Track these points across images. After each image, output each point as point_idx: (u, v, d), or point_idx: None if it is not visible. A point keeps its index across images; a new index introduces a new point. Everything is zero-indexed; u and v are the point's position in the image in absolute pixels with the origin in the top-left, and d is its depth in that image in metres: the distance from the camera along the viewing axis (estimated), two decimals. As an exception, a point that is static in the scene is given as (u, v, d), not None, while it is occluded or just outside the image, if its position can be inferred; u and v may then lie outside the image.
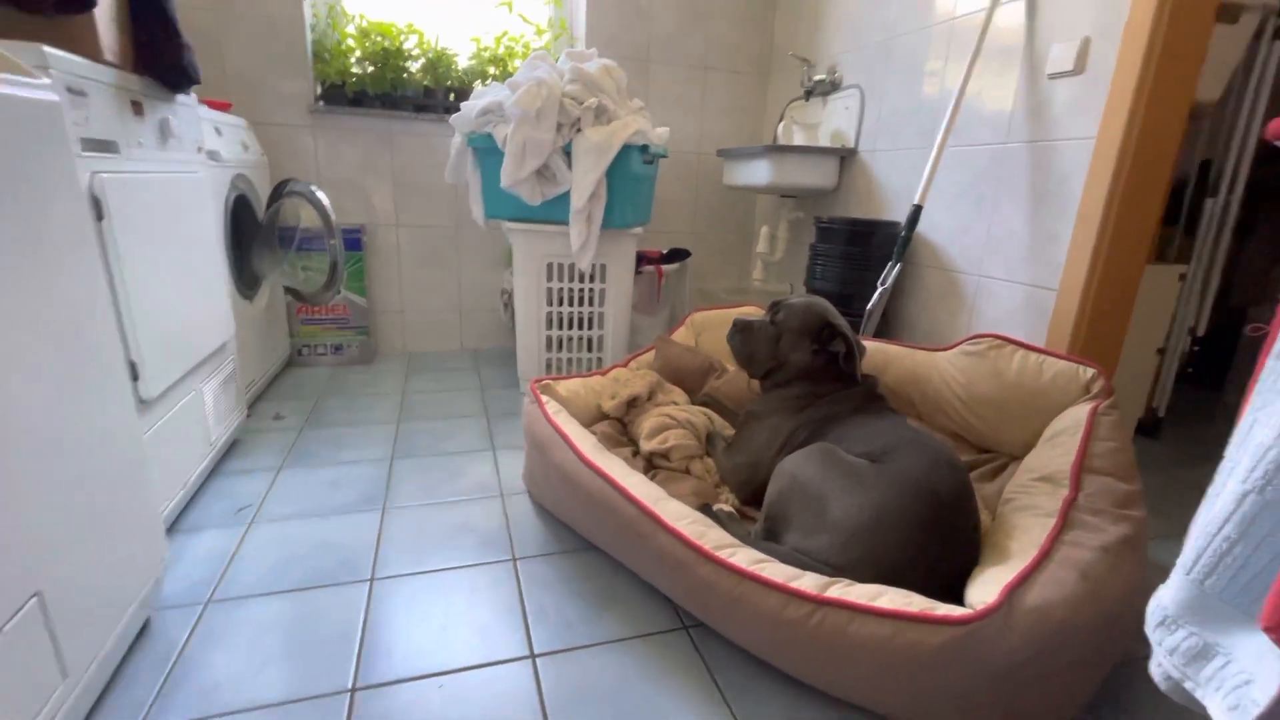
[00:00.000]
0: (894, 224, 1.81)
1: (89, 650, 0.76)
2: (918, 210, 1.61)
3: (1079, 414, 1.12)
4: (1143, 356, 1.72)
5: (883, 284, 1.64)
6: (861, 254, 1.78)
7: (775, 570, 0.87)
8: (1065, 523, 0.92)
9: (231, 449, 1.54)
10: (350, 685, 0.85)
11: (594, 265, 1.89)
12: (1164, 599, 0.59)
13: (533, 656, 0.92)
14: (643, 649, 0.94)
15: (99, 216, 0.95)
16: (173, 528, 1.19)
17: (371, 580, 1.07)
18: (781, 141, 2.30)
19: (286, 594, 1.03)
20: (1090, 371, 1.16)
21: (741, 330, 1.32)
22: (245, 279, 1.76)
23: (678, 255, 2.35)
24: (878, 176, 1.97)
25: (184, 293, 1.23)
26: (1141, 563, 0.92)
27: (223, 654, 0.90)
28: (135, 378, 1.01)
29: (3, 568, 0.62)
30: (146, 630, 0.93)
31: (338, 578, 1.07)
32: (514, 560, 1.14)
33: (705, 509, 1.13)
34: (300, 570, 1.09)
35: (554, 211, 1.78)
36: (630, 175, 1.77)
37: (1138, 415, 1.78)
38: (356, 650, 0.92)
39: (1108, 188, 1.26)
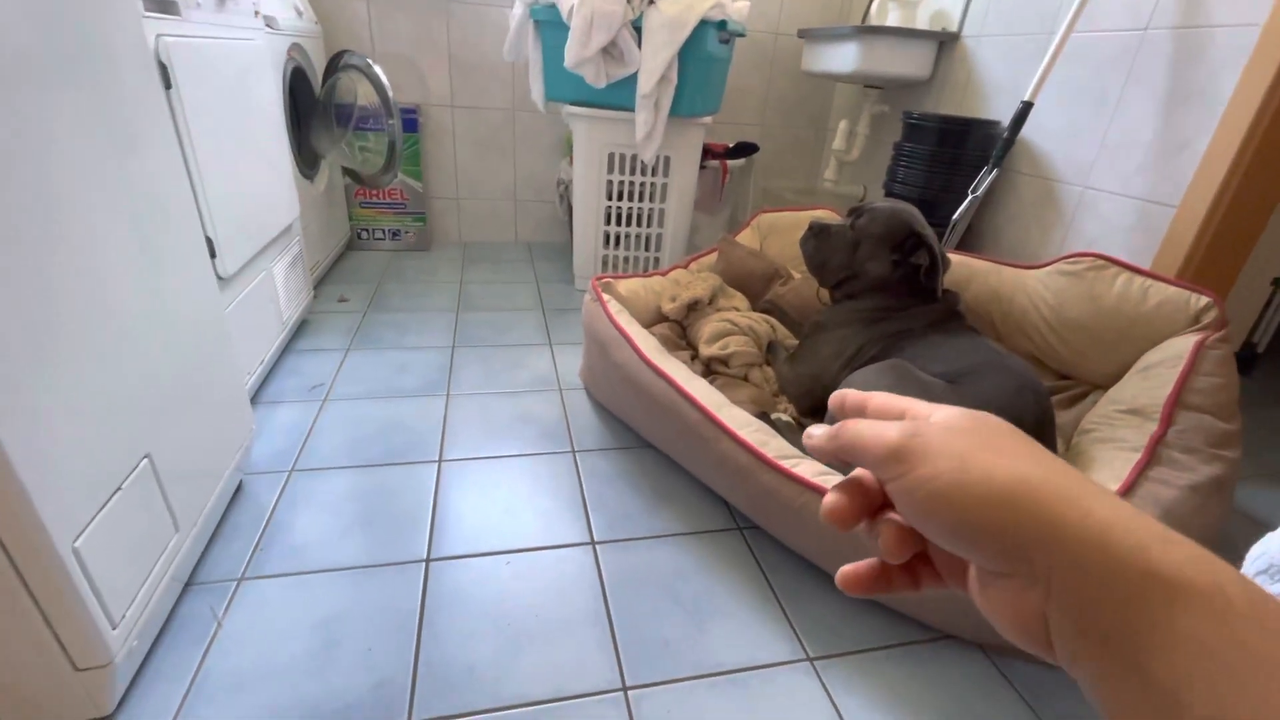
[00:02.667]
0: (993, 123, 1.63)
1: (194, 506, 0.83)
2: (1027, 107, 1.44)
3: (1181, 345, 1.03)
4: (1255, 285, 1.56)
5: (974, 191, 1.50)
6: (953, 156, 1.62)
7: (839, 483, 0.86)
8: (1151, 458, 0.87)
9: (301, 328, 1.59)
10: (425, 555, 0.92)
11: (658, 157, 1.79)
12: (1272, 547, 0.56)
13: (593, 543, 0.96)
14: (697, 545, 0.97)
15: (167, 85, 0.92)
16: (254, 400, 1.26)
17: (440, 461, 1.12)
18: (874, 21, 2.05)
19: (361, 468, 1.09)
20: (1203, 300, 1.06)
21: (818, 234, 1.25)
22: (305, 158, 1.74)
23: (744, 150, 2.20)
24: (980, 67, 1.76)
25: (251, 170, 1.22)
26: (1228, 506, 0.88)
27: (308, 518, 0.97)
28: (213, 254, 1.02)
29: (118, 431, 0.66)
30: (240, 492, 1.01)
31: (408, 456, 1.13)
32: (573, 452, 1.18)
33: (764, 417, 1.12)
34: (373, 447, 1.15)
35: (619, 96, 1.66)
36: (703, 56, 1.62)
37: (1235, 349, 1.65)
38: (429, 525, 0.98)
39: (1267, 86, 1.09)
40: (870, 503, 0.27)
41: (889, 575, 0.28)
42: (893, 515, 0.26)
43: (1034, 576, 0.20)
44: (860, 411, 0.29)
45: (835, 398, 0.30)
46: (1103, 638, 0.19)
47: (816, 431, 0.28)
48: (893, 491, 0.24)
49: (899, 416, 0.27)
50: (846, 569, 0.28)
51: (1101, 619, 0.19)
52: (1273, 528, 0.60)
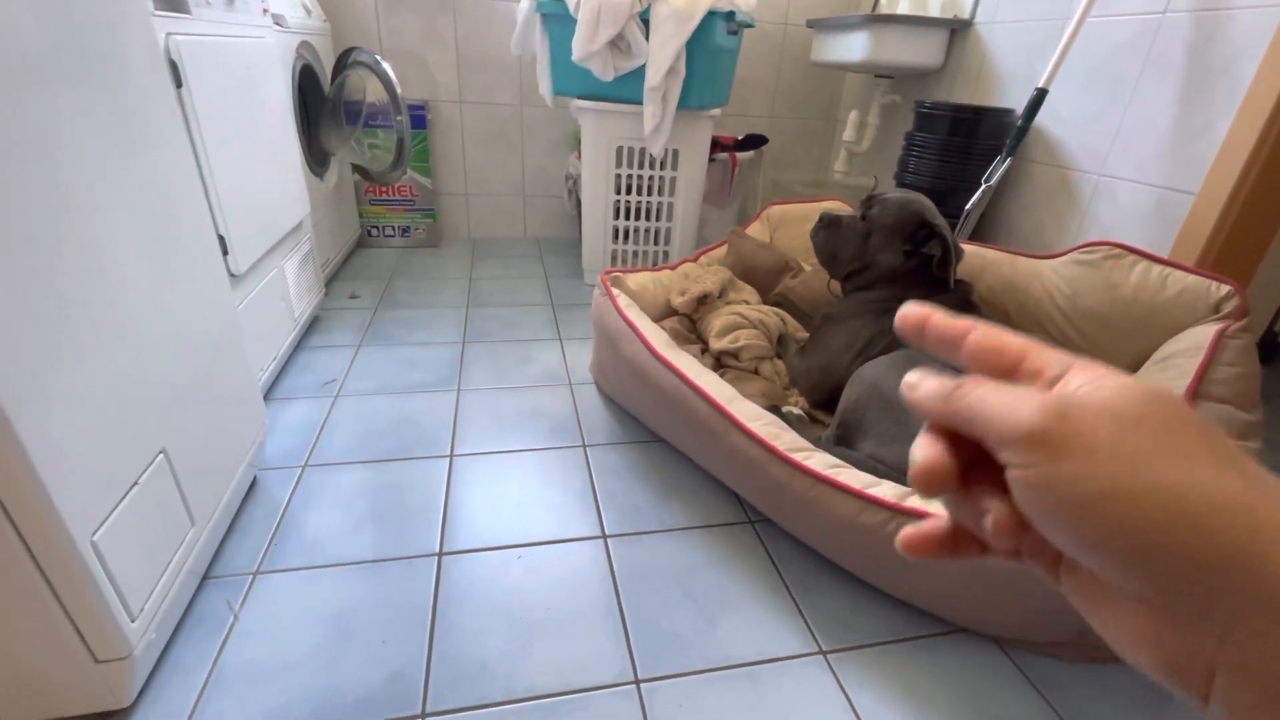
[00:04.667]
0: (1006, 111, 1.61)
1: (210, 501, 0.84)
2: (1042, 95, 1.42)
3: (1201, 335, 1.01)
4: (1277, 273, 1.53)
5: (987, 181, 1.48)
6: (965, 145, 1.60)
7: (851, 476, 0.86)
8: (1170, 450, 0.86)
9: (312, 325, 1.60)
10: (438, 550, 0.92)
11: (666, 151, 1.78)
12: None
13: (604, 537, 0.96)
14: (709, 538, 0.97)
15: (178, 84, 0.93)
16: (267, 396, 1.27)
17: (451, 456, 1.13)
18: (884, 9, 2.02)
19: (374, 464, 1.10)
20: (1224, 288, 1.04)
21: (829, 225, 1.24)
22: (315, 155, 1.74)
23: (753, 142, 2.18)
24: (994, 54, 1.73)
25: (262, 167, 1.22)
26: (1250, 496, 0.87)
27: (321, 513, 0.98)
28: (225, 252, 1.03)
29: (133, 427, 0.67)
30: (255, 488, 1.02)
31: (420, 451, 1.14)
32: (584, 447, 1.18)
33: (774, 410, 1.11)
34: (385, 442, 1.15)
35: (627, 89, 1.65)
36: (711, 48, 1.61)
37: (1256, 339, 1.62)
38: (441, 519, 0.98)
39: (1291, 69, 1.06)
40: (962, 459, 0.21)
41: (958, 541, 0.23)
42: (1004, 496, 0.20)
43: (1204, 617, 0.16)
44: (952, 348, 0.23)
45: (914, 317, 0.23)
46: None
47: (923, 384, 0.22)
48: (1019, 481, 0.19)
49: (1013, 367, 0.21)
50: (910, 531, 0.24)
51: None
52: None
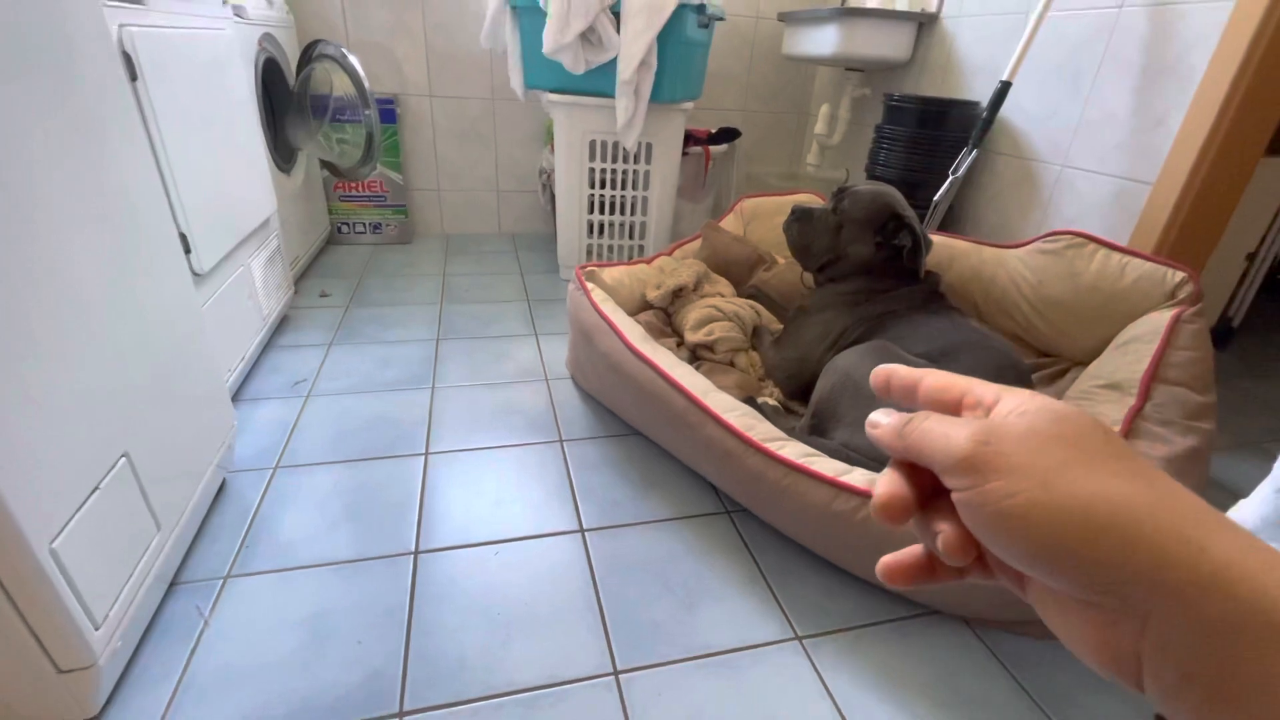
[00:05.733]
0: (972, 104, 1.63)
1: (176, 505, 0.82)
2: (1006, 87, 1.44)
3: (1158, 320, 1.05)
4: (1230, 261, 1.59)
5: (955, 172, 1.51)
6: (932, 138, 1.63)
7: (824, 464, 0.87)
8: (1130, 431, 0.89)
9: (282, 324, 1.57)
10: (414, 548, 0.91)
11: (639, 144, 1.78)
12: (1245, 514, 0.57)
13: (582, 531, 0.96)
14: (686, 529, 0.98)
15: (132, 77, 0.90)
16: (236, 398, 1.25)
17: (426, 454, 1.12)
18: (853, 3, 2.04)
19: (347, 463, 1.08)
20: (1179, 275, 1.08)
21: (800, 218, 1.25)
22: (281, 151, 1.71)
23: (727, 135, 2.19)
24: (959, 48, 1.76)
25: (225, 163, 1.19)
26: (1204, 477, 0.90)
27: (294, 514, 0.96)
28: (188, 250, 1.00)
29: (93, 431, 0.65)
30: (224, 490, 1.00)
31: (394, 450, 1.12)
32: (561, 442, 1.17)
33: (750, 402, 1.12)
34: (358, 442, 1.14)
35: (599, 82, 1.64)
36: (683, 40, 1.61)
37: (1210, 324, 1.68)
38: (416, 517, 0.97)
39: (1239, 63, 1.10)
40: (923, 488, 0.24)
41: (935, 566, 0.25)
42: (954, 518, 0.23)
43: (1126, 611, 0.18)
44: (910, 395, 0.26)
45: (880, 376, 0.27)
46: (1211, 686, 0.17)
47: (883, 420, 0.25)
48: (959, 502, 0.21)
49: (957, 402, 0.24)
50: (888, 560, 0.26)
51: (1212, 667, 0.17)
52: (1245, 496, 0.61)
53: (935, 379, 0.25)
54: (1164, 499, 0.19)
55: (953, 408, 0.24)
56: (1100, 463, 0.20)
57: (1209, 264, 1.35)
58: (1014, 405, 0.22)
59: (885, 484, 0.24)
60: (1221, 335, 1.72)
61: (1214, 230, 1.27)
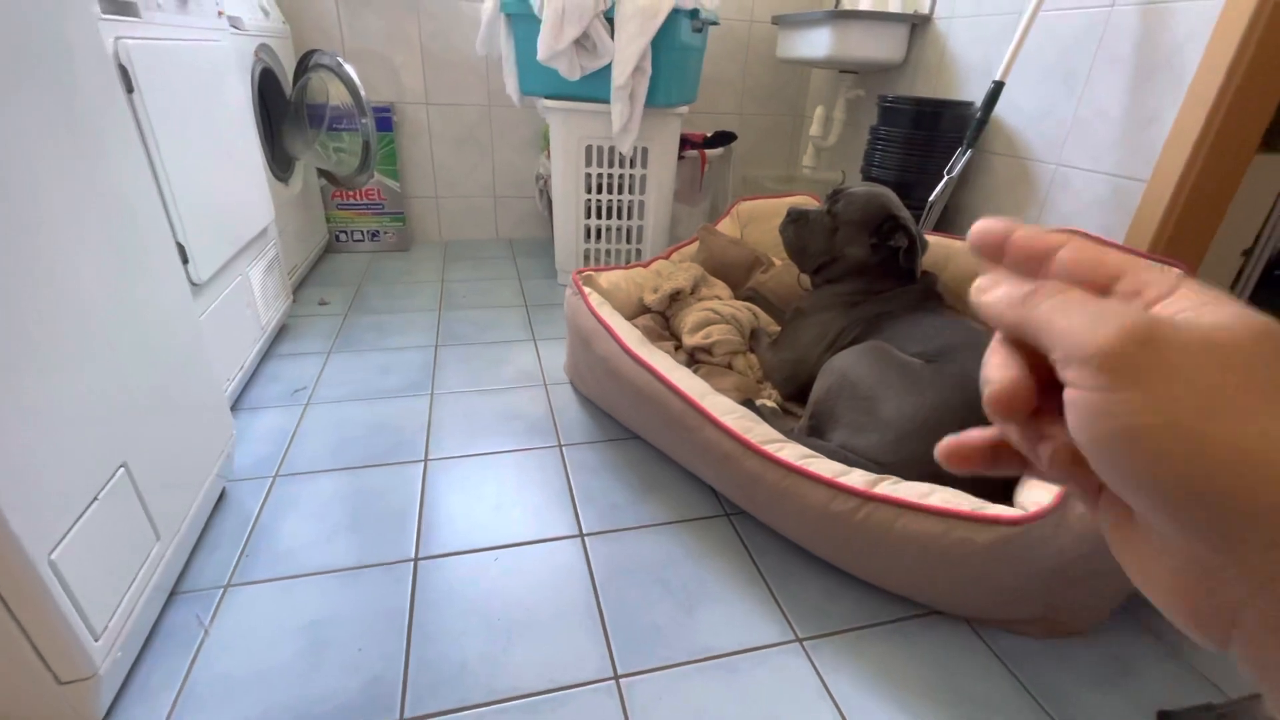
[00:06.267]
0: (967, 104, 1.64)
1: (176, 514, 0.82)
2: (999, 87, 1.45)
3: (1154, 317, 1.05)
4: (1226, 257, 1.59)
5: (949, 173, 1.51)
6: (927, 138, 1.63)
7: (822, 465, 0.87)
8: (1127, 429, 0.89)
9: (281, 333, 1.58)
10: (414, 555, 0.91)
11: (635, 149, 1.78)
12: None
13: (581, 535, 0.96)
14: (686, 533, 0.98)
15: (129, 89, 0.91)
16: (235, 406, 1.25)
17: (425, 460, 1.12)
18: (846, 5, 2.05)
19: (347, 471, 1.08)
20: (1175, 272, 1.08)
21: (796, 220, 1.25)
22: (279, 160, 1.71)
23: (722, 139, 2.20)
24: (953, 49, 1.77)
25: (222, 173, 1.20)
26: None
27: (294, 523, 0.97)
28: (185, 260, 1.01)
29: (91, 441, 0.65)
30: (224, 499, 1.00)
31: (394, 457, 1.12)
32: (560, 446, 1.18)
33: (748, 404, 1.12)
34: (358, 449, 1.14)
35: (594, 88, 1.65)
36: (677, 45, 1.62)
37: (1208, 320, 1.68)
38: (416, 524, 0.97)
39: (1232, 56, 1.10)
40: (1039, 377, 0.19)
41: (1000, 456, 0.21)
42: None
43: (1247, 574, 0.15)
44: (1035, 264, 0.20)
45: (992, 231, 0.20)
46: None
47: (997, 287, 0.19)
48: (1076, 403, 0.17)
49: (1107, 283, 0.18)
50: (950, 440, 0.22)
51: None
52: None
53: (1081, 246, 0.19)
54: None
55: (1101, 292, 0.18)
56: None
57: (1205, 260, 1.35)
58: (1193, 303, 0.17)
59: (1001, 367, 0.19)
60: (1219, 331, 1.71)
61: (1209, 226, 1.27)
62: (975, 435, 0.22)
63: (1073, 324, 0.17)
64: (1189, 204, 1.22)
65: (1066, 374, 0.17)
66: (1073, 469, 0.18)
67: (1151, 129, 1.27)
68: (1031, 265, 0.20)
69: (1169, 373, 0.15)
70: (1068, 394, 0.17)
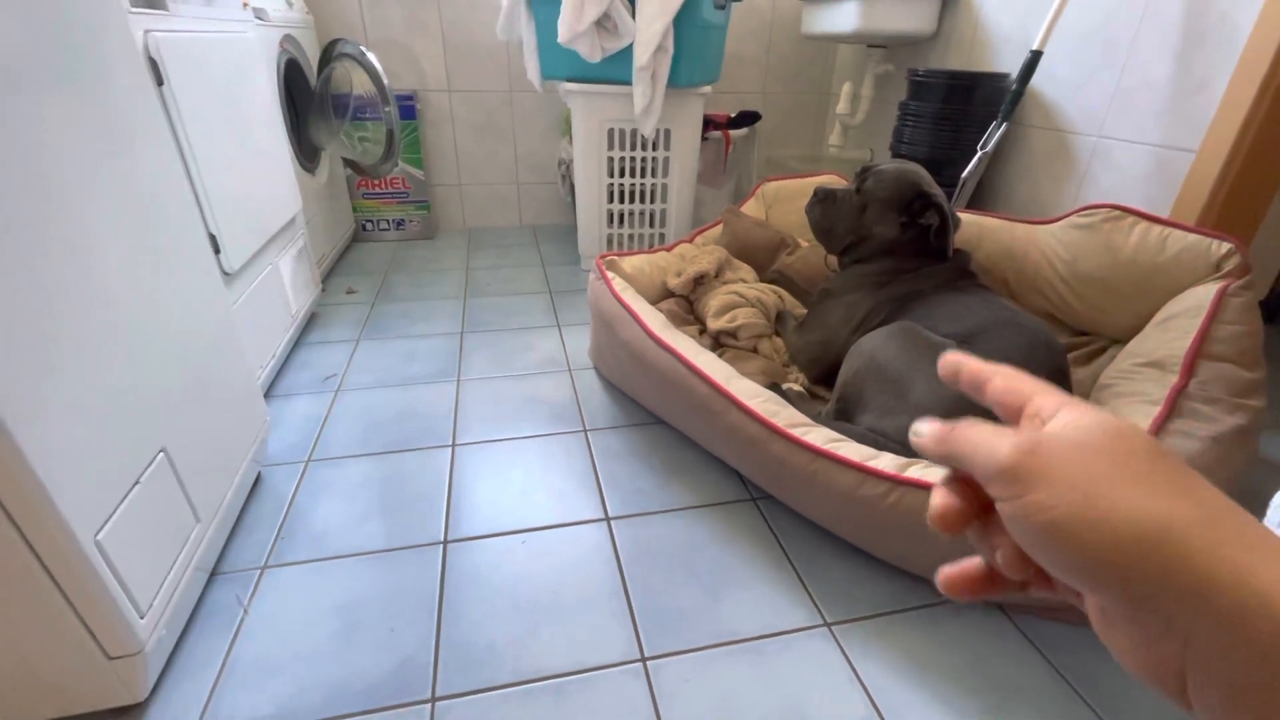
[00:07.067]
0: (1001, 76, 1.58)
1: (214, 498, 0.84)
2: (1036, 57, 1.39)
3: (1202, 294, 1.00)
4: (1278, 232, 1.51)
5: (983, 148, 1.46)
6: (959, 113, 1.57)
7: (850, 449, 0.86)
8: (1172, 410, 0.85)
9: (311, 321, 1.61)
10: (443, 538, 0.93)
11: (658, 131, 1.76)
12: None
13: (607, 519, 0.97)
14: (711, 517, 0.98)
15: (159, 82, 0.92)
16: (268, 394, 1.28)
17: (453, 446, 1.13)
18: (873, -23, 1.98)
19: (377, 456, 1.10)
20: (1225, 246, 1.03)
21: (823, 200, 1.22)
22: (305, 150, 1.73)
23: (746, 119, 2.16)
24: (986, 18, 1.70)
25: (251, 164, 1.22)
26: (1253, 455, 0.86)
27: (327, 506, 0.99)
28: (217, 250, 1.03)
29: (131, 428, 0.67)
30: (259, 484, 1.03)
31: (422, 442, 1.14)
32: (585, 431, 1.18)
33: (774, 388, 1.11)
34: (387, 435, 1.16)
35: (615, 69, 1.63)
36: (700, 24, 1.59)
37: (1260, 297, 1.61)
38: (445, 508, 0.99)
39: (1289, 19, 1.04)
40: (983, 500, 0.23)
41: (996, 577, 0.25)
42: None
43: (1169, 629, 0.18)
44: (978, 391, 0.25)
45: (948, 366, 0.26)
46: (1260, 708, 0.17)
47: (924, 429, 0.25)
48: (1003, 513, 0.21)
49: (1019, 408, 0.23)
50: (949, 571, 0.26)
51: (1260, 689, 0.17)
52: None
53: (1004, 380, 0.24)
54: (1212, 518, 0.18)
55: (1014, 413, 0.24)
56: (1148, 479, 0.19)
57: (1258, 234, 1.29)
58: (1069, 419, 0.21)
59: (940, 494, 0.24)
60: (1272, 309, 1.64)
61: (1262, 198, 1.21)
62: (968, 565, 0.25)
63: (979, 452, 0.22)
64: (1241, 176, 1.15)
65: (990, 490, 0.22)
66: (1025, 565, 0.22)
67: (1200, 97, 1.20)
68: (975, 390, 0.26)
69: (1054, 472, 0.20)
70: (998, 507, 0.21)
